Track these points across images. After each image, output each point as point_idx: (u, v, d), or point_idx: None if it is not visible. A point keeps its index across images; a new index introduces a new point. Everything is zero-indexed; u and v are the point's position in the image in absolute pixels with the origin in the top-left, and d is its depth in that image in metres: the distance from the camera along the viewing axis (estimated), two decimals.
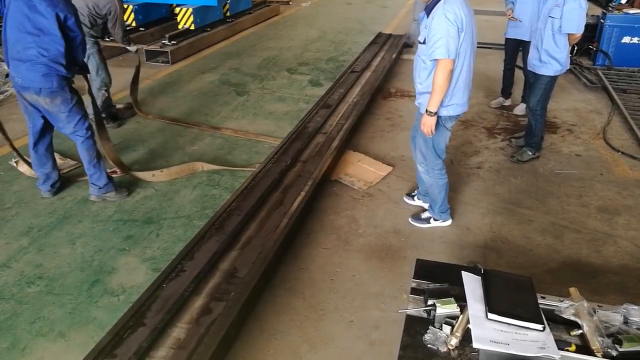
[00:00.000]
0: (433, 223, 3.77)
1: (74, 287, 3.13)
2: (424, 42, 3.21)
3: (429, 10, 3.18)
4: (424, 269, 2.14)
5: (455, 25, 3.05)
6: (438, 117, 3.31)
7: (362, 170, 4.51)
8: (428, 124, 3.30)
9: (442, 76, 3.12)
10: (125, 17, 8.04)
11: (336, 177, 4.38)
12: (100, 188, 3.96)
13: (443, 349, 1.74)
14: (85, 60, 5.01)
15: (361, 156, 4.71)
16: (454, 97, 3.29)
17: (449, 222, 3.78)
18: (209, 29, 8.80)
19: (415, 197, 4.03)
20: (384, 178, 4.40)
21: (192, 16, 8.21)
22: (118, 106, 5.68)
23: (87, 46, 4.94)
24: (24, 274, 3.23)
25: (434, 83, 3.16)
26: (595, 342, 1.70)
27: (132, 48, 5.52)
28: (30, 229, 3.66)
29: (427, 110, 3.25)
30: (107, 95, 5.27)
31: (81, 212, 3.87)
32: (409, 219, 3.83)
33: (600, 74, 6.93)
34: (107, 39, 7.79)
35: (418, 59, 3.35)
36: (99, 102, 5.16)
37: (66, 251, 3.44)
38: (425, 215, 3.81)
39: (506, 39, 5.75)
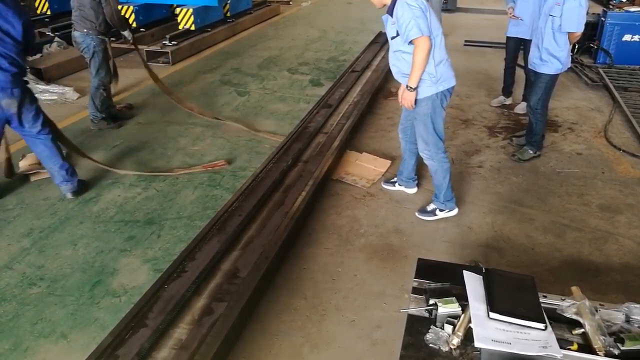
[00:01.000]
0: (440, 214, 3.81)
1: (75, 288, 3.13)
2: (396, 35, 3.37)
3: (390, 10, 3.36)
4: (426, 269, 2.14)
5: (418, 8, 3.23)
6: (433, 97, 3.47)
7: (361, 168, 4.52)
8: (408, 98, 3.48)
9: (421, 54, 3.27)
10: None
11: (338, 177, 4.39)
12: (69, 182, 4.03)
13: (445, 349, 1.74)
14: (89, 58, 5.03)
15: (358, 155, 4.73)
16: (439, 73, 3.43)
17: (455, 211, 3.84)
18: (209, 29, 8.81)
19: (397, 184, 4.18)
20: (385, 178, 4.39)
21: (192, 16, 8.22)
22: (119, 106, 5.69)
23: (94, 44, 4.95)
24: (25, 275, 3.24)
25: (414, 61, 3.31)
26: (598, 341, 1.70)
27: (126, 33, 5.33)
28: (31, 231, 3.67)
29: (407, 86, 3.42)
30: (105, 95, 5.23)
31: (82, 213, 3.87)
32: (416, 213, 3.86)
33: (602, 72, 6.93)
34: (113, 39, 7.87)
35: (395, 54, 3.51)
36: (97, 102, 5.17)
37: (68, 252, 3.45)
38: (431, 207, 3.85)
39: (507, 37, 5.75)
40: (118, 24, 5.07)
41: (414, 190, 4.18)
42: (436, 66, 3.40)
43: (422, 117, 3.57)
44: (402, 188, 4.17)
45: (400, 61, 3.49)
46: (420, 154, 3.76)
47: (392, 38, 3.46)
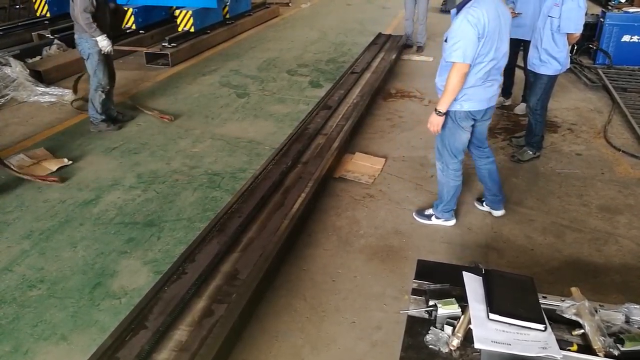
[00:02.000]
0: (434, 221, 3.77)
1: (75, 290, 3.13)
2: (445, 41, 3.16)
3: (459, 8, 3.13)
4: (425, 270, 2.14)
5: (475, 30, 2.99)
6: (451, 113, 3.30)
7: (358, 166, 4.56)
8: (435, 122, 3.32)
9: (454, 79, 3.10)
10: (125, 20, 8.08)
11: (340, 174, 4.41)
12: None
13: (445, 350, 1.74)
14: (85, 60, 5.03)
15: (352, 155, 4.77)
16: (468, 93, 3.24)
17: (452, 222, 3.78)
18: (208, 31, 8.81)
19: (484, 203, 3.95)
20: (385, 179, 4.40)
21: (192, 18, 8.22)
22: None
23: (87, 46, 4.94)
24: (25, 277, 3.24)
25: (446, 84, 3.15)
26: (597, 342, 1.70)
27: (100, 39, 4.89)
28: (31, 233, 3.67)
29: (435, 109, 3.26)
30: (104, 97, 5.21)
31: (82, 215, 3.87)
32: (413, 214, 3.86)
33: (601, 72, 6.93)
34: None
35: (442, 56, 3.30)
36: (96, 104, 5.17)
37: (68, 254, 3.45)
38: (428, 211, 3.82)
39: None
40: (83, 27, 4.87)
41: (499, 213, 3.86)
42: (465, 88, 3.21)
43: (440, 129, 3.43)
44: (487, 209, 3.92)
45: (441, 64, 3.31)
46: (436, 162, 3.66)
47: (445, 40, 3.20)
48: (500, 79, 3.39)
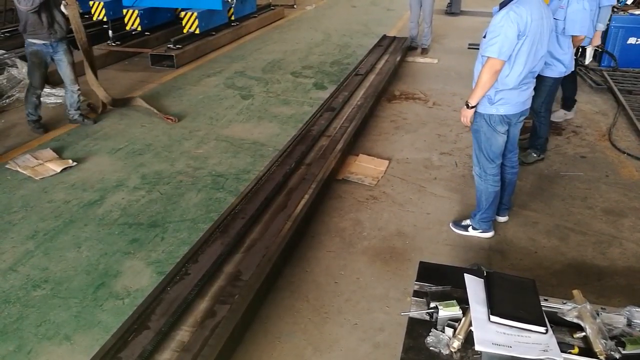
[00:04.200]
0: (471, 232, 3.66)
1: (79, 290, 3.15)
2: (484, 37, 3.13)
3: (502, 6, 3.10)
4: (427, 272, 2.14)
5: (516, 27, 2.96)
6: (486, 117, 3.28)
7: (362, 168, 4.57)
8: (464, 114, 3.32)
9: (487, 74, 3.09)
10: (131, 22, 8.11)
11: (343, 176, 4.42)
12: None
13: (445, 352, 1.74)
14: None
15: (356, 157, 4.77)
16: (499, 96, 3.21)
17: (490, 234, 3.66)
18: (213, 33, 8.84)
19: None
20: (388, 180, 4.40)
21: (197, 20, 8.24)
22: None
23: (26, 46, 4.97)
24: (30, 277, 3.26)
25: (479, 79, 3.15)
26: (599, 345, 1.70)
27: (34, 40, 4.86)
28: (36, 233, 3.69)
29: (466, 102, 3.26)
30: (36, 101, 5.15)
31: (87, 216, 3.89)
32: (450, 224, 3.77)
33: (606, 75, 6.90)
34: (114, 43, 7.91)
35: (479, 54, 3.26)
36: (27, 104, 5.17)
37: (72, 255, 3.47)
38: (466, 222, 3.71)
39: None
40: (25, 28, 4.84)
41: (504, 219, 3.84)
42: (497, 91, 3.19)
43: (474, 133, 3.42)
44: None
45: (478, 60, 3.26)
46: (473, 168, 3.60)
47: (484, 37, 3.16)
48: (534, 83, 3.36)
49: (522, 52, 3.07)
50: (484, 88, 3.15)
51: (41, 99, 5.29)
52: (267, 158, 4.69)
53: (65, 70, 5.20)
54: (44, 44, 4.97)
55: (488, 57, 3.06)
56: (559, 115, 5.60)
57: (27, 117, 5.29)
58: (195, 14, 8.20)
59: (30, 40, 4.95)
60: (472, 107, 3.26)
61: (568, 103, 5.58)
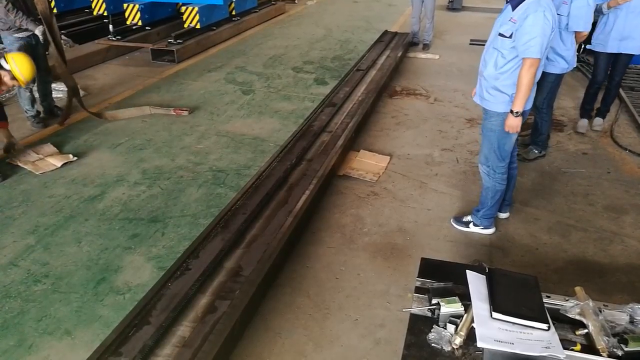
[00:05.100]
0: (472, 228, 3.67)
1: (80, 285, 3.15)
2: (509, 37, 3.05)
3: (515, 3, 3.06)
4: (429, 268, 2.13)
5: (551, 24, 2.96)
6: (504, 115, 3.24)
7: (363, 164, 4.56)
8: (514, 125, 3.21)
9: (529, 75, 3.04)
10: (132, 16, 8.09)
11: (344, 172, 4.41)
12: None
13: (447, 348, 1.74)
14: None
15: (357, 153, 4.77)
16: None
17: (491, 230, 3.66)
18: (214, 28, 8.82)
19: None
20: (389, 176, 4.39)
21: (198, 15, 8.23)
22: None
23: (8, 42, 4.95)
24: (30, 272, 3.26)
25: (520, 83, 3.07)
26: (601, 342, 1.69)
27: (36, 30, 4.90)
28: (36, 228, 3.69)
29: (512, 111, 3.16)
30: (29, 94, 5.21)
31: (87, 211, 3.89)
32: (451, 220, 3.77)
33: None
34: (114, 38, 7.89)
35: (494, 51, 3.20)
36: (22, 100, 5.21)
37: (72, 250, 3.46)
38: (467, 218, 3.72)
39: None
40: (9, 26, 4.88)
41: (505, 215, 3.85)
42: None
43: (487, 132, 3.38)
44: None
45: (493, 59, 3.19)
46: (479, 166, 3.58)
47: (501, 35, 3.11)
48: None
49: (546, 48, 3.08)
50: (528, 89, 3.09)
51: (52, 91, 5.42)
52: (268, 154, 4.68)
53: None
54: (28, 36, 5.01)
55: (527, 59, 3.01)
56: (597, 122, 5.39)
57: (25, 114, 5.30)
58: (196, 8, 8.18)
59: (16, 36, 4.94)
60: (520, 115, 3.17)
61: (604, 109, 5.43)
